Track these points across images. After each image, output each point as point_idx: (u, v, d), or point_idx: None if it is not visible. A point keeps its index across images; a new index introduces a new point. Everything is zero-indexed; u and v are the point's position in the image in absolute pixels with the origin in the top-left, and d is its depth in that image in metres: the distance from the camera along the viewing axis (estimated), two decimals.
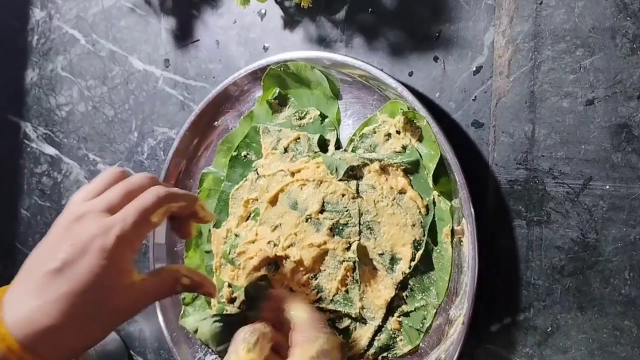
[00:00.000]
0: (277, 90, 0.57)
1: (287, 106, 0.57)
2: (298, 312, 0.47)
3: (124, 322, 0.45)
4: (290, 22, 0.59)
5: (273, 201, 0.55)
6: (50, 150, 0.75)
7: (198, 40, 0.64)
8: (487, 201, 0.49)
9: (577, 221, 0.47)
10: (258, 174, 0.57)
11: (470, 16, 0.51)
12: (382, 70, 0.51)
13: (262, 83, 0.57)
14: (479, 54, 0.50)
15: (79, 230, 0.42)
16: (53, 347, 0.41)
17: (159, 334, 0.67)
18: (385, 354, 0.51)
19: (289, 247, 0.53)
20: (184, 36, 0.65)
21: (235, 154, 0.59)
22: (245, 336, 0.45)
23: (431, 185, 0.49)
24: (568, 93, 0.47)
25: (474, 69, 0.51)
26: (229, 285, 0.57)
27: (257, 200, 0.57)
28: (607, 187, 0.46)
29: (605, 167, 0.46)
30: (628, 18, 0.45)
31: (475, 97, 0.51)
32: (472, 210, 0.46)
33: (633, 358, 0.45)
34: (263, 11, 0.61)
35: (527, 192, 0.49)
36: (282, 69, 0.55)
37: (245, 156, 0.58)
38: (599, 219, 0.46)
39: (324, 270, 0.52)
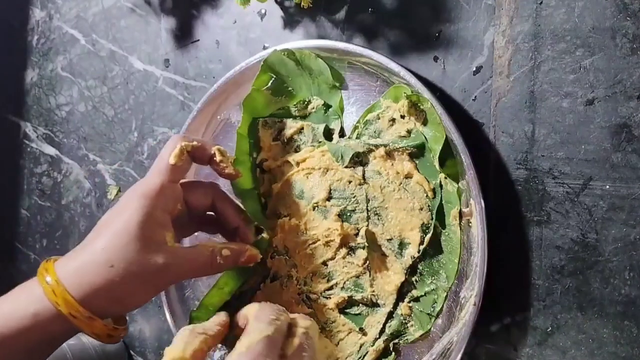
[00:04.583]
0: (273, 78, 0.55)
1: (283, 96, 0.56)
2: (250, 310, 0.46)
3: (164, 287, 0.49)
4: (290, 22, 0.59)
5: (280, 192, 0.55)
6: (50, 150, 0.75)
7: (198, 40, 0.64)
8: (487, 201, 0.49)
9: (577, 221, 0.47)
10: (264, 170, 0.56)
11: (470, 16, 0.51)
12: (385, 56, 0.51)
13: (261, 64, 0.55)
14: (479, 54, 0.50)
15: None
16: (100, 300, 0.43)
17: (159, 333, 0.67)
18: (396, 341, 0.51)
19: None
20: (184, 36, 0.65)
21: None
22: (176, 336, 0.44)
23: (437, 168, 0.49)
24: (568, 93, 0.47)
25: (474, 69, 0.51)
26: None
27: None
28: (607, 187, 0.46)
29: (605, 167, 0.46)
30: (628, 18, 0.45)
31: (475, 97, 0.51)
32: (480, 190, 0.46)
33: (633, 358, 0.45)
34: (263, 11, 0.61)
35: (527, 192, 0.49)
36: (285, 53, 0.54)
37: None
38: (599, 219, 0.46)
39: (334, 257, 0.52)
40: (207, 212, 0.52)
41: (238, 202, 0.54)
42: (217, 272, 0.49)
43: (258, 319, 0.43)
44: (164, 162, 0.47)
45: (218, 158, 0.49)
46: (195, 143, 0.48)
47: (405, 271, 0.50)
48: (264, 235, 0.54)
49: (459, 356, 0.47)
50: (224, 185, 0.54)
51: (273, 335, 0.42)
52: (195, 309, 0.55)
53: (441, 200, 0.50)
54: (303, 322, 0.45)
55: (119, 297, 0.44)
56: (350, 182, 0.52)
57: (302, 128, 0.55)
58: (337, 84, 0.54)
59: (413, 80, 0.49)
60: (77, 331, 0.44)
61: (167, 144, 0.48)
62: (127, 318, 0.49)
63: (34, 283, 0.44)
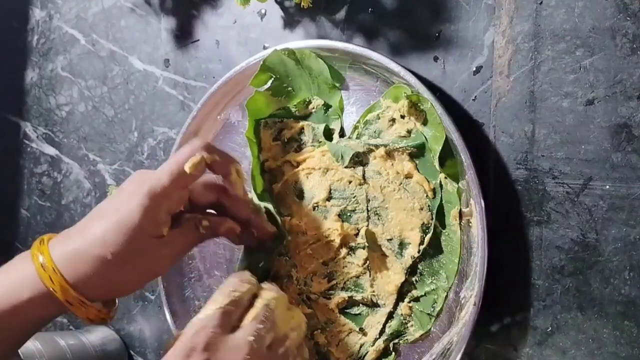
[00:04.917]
0: (272, 78, 0.55)
1: (283, 96, 0.56)
2: None
3: (160, 273, 0.50)
4: (290, 22, 0.59)
5: (280, 192, 0.55)
6: (50, 150, 0.75)
7: (198, 40, 0.64)
8: (487, 201, 0.49)
9: (577, 221, 0.47)
10: (264, 170, 0.56)
11: (470, 16, 0.51)
12: (385, 56, 0.51)
13: (260, 63, 0.54)
14: (479, 54, 0.50)
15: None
16: (95, 287, 0.44)
17: (159, 333, 0.67)
18: (396, 341, 0.51)
19: None
20: (184, 36, 0.65)
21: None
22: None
23: (437, 168, 0.49)
24: (568, 93, 0.47)
25: (474, 69, 0.51)
26: None
27: None
28: (607, 187, 0.46)
29: (605, 167, 0.46)
30: (628, 18, 0.45)
31: (475, 97, 0.51)
32: (480, 190, 0.46)
33: (633, 358, 0.45)
34: (263, 11, 0.61)
35: (527, 192, 0.49)
36: (285, 53, 0.54)
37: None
38: (599, 219, 0.46)
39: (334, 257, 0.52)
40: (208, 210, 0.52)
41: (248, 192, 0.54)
42: (200, 242, 0.50)
43: (219, 290, 0.45)
44: (179, 166, 0.45)
45: (233, 177, 0.48)
46: (217, 158, 0.47)
47: (405, 271, 0.50)
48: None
49: (459, 356, 0.47)
50: None
51: (226, 307, 0.44)
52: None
53: (441, 200, 0.50)
54: (267, 293, 0.46)
55: (113, 285, 0.45)
56: (350, 182, 0.52)
57: (302, 128, 0.55)
58: (337, 84, 0.54)
59: (413, 80, 0.49)
60: (67, 311, 0.45)
61: (186, 146, 0.46)
62: (117, 301, 0.49)
63: (26, 263, 0.44)
